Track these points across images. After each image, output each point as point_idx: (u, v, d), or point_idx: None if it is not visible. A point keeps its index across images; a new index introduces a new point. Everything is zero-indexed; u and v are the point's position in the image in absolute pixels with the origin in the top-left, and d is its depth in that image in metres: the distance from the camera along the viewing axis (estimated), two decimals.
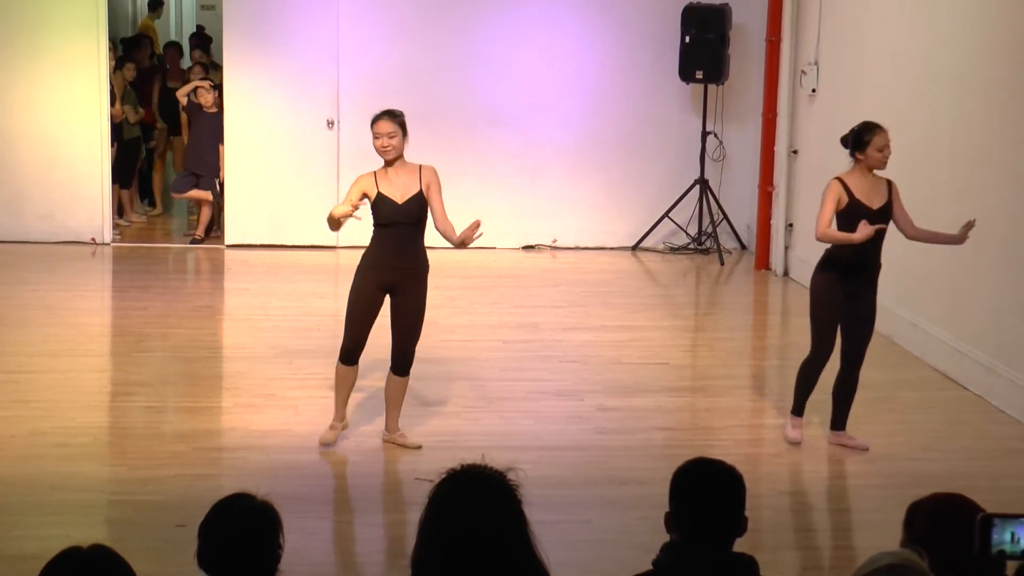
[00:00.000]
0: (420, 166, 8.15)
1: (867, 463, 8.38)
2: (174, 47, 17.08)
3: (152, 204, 16.86)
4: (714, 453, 4.44)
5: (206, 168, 14.87)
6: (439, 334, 11.12)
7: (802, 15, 13.71)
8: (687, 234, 15.00)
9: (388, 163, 8.11)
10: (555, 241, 15.11)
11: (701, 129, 14.78)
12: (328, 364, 9.83)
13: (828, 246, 8.33)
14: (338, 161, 14.64)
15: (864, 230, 7.99)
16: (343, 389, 8.35)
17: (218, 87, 15.06)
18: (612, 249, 15.06)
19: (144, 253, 14.72)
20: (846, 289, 8.28)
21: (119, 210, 15.67)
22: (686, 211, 14.92)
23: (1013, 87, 9.41)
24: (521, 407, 9.31)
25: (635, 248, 15.07)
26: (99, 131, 14.58)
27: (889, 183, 8.29)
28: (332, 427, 8.39)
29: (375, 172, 8.14)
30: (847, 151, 8.30)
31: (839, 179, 8.23)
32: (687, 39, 14.51)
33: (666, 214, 14.84)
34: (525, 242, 15.03)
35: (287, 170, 14.70)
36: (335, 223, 8.02)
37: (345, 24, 14.60)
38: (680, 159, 14.99)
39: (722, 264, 14.45)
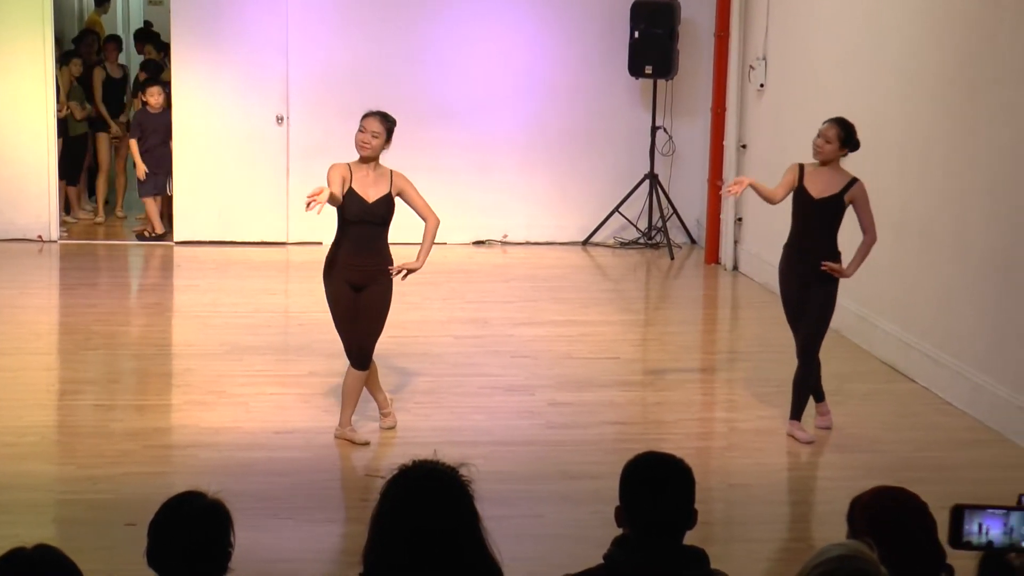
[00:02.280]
0: (392, 171, 8.21)
1: (817, 455, 8.44)
2: (113, 40, 16.80)
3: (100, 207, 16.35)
4: (665, 447, 4.46)
5: (162, 167, 14.74)
6: (390, 330, 11.03)
7: (750, 10, 13.77)
8: (637, 229, 15.04)
9: (363, 160, 8.09)
10: (506, 236, 15.11)
11: (650, 124, 14.81)
12: (278, 360, 9.85)
13: (785, 241, 8.49)
14: (288, 157, 14.59)
15: (736, 182, 8.40)
16: (353, 397, 8.38)
17: (164, 83, 14.97)
18: (562, 244, 15.07)
19: (92, 250, 14.62)
20: (800, 278, 8.38)
21: (66, 207, 15.54)
22: (636, 206, 14.95)
23: (959, 81, 9.49)
24: (472, 402, 9.31)
25: (585, 243, 15.09)
26: (45, 128, 14.46)
27: (853, 181, 8.35)
28: (352, 430, 8.40)
29: (349, 164, 8.13)
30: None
31: (800, 164, 8.48)
32: (636, 34, 14.54)
33: (616, 209, 14.87)
34: (476, 237, 15.03)
35: (236, 166, 14.64)
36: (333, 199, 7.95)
37: (294, 19, 14.54)
38: (630, 154, 15.02)
39: (672, 259, 14.50)
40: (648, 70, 14.53)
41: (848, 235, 8.56)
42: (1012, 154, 8.76)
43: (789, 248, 8.54)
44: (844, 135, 8.43)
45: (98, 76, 15.63)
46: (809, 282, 8.39)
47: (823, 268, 8.37)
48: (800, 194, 8.41)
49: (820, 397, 8.80)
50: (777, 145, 12.92)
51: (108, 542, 6.64)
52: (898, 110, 10.43)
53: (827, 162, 8.41)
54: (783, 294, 8.63)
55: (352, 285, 8.14)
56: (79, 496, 7.48)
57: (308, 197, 7.69)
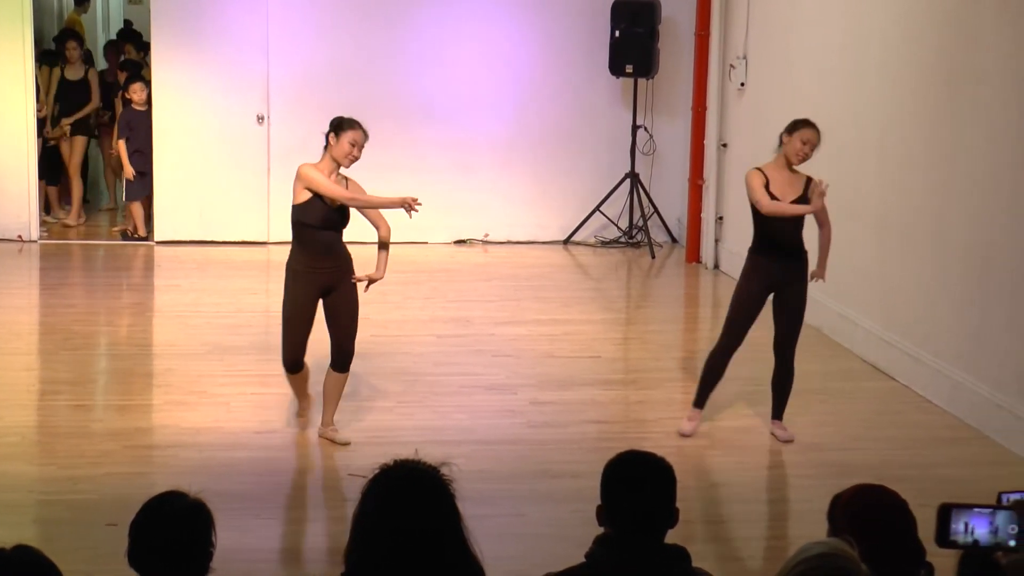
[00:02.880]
0: (347, 179, 8.27)
1: (797, 453, 8.46)
2: (75, 38, 16.47)
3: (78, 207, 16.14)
4: (646, 445, 4.46)
5: (148, 165, 14.67)
6: (371, 329, 11.09)
7: (731, 9, 13.79)
8: (618, 228, 15.05)
9: (336, 167, 8.14)
10: (487, 235, 15.12)
11: (631, 123, 14.83)
12: (260, 360, 9.84)
13: (753, 236, 8.42)
14: (268, 156, 14.58)
15: (811, 204, 8.14)
16: (300, 386, 8.51)
17: (147, 83, 14.93)
18: (544, 243, 15.08)
19: (72, 250, 14.59)
20: (775, 278, 8.36)
21: (46, 207, 15.48)
22: (617, 205, 14.97)
23: (939, 81, 9.51)
24: (454, 401, 9.31)
25: (567, 242, 15.10)
26: (25, 128, 14.43)
27: (809, 180, 8.35)
28: (301, 415, 8.55)
29: (317, 167, 8.14)
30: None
31: (759, 168, 8.36)
32: (617, 33, 14.55)
33: (597, 208, 14.89)
34: (457, 236, 15.03)
35: (217, 166, 14.62)
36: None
37: (275, 18, 14.53)
38: (611, 153, 15.04)
39: (653, 257, 14.51)
40: (629, 69, 14.55)
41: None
42: (992, 153, 8.79)
43: (761, 253, 8.41)
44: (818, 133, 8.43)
45: (47, 75, 15.29)
46: (780, 284, 8.38)
47: (814, 280, 8.41)
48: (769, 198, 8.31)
49: (702, 403, 8.74)
50: (757, 144, 12.93)
51: (89, 543, 6.62)
52: (878, 109, 10.46)
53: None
54: (745, 295, 8.45)
55: (321, 290, 8.13)
56: (59, 497, 7.46)
57: (413, 202, 8.05)
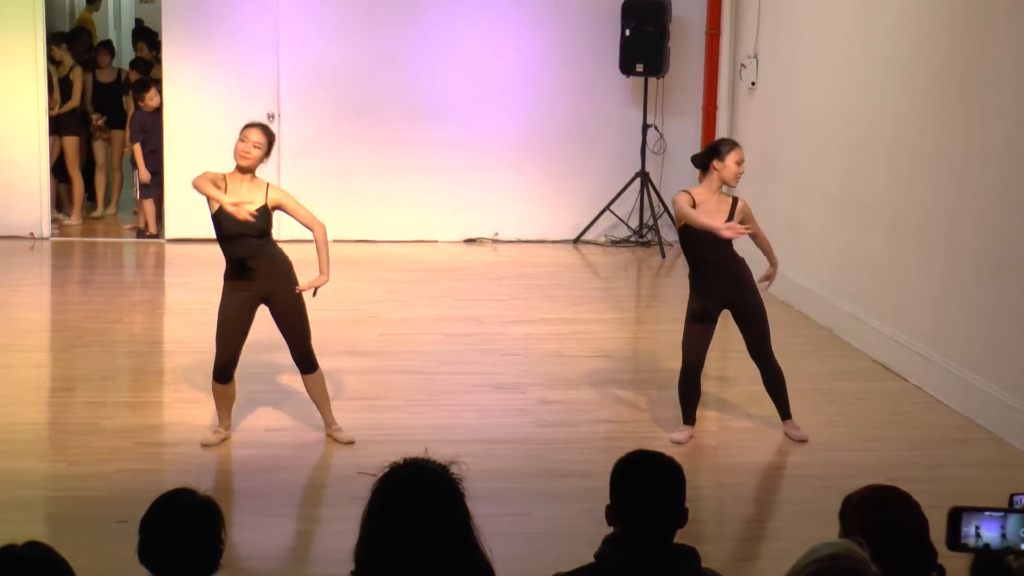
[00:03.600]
0: (268, 184, 8.15)
1: (808, 454, 8.44)
2: (105, 45, 16.61)
3: (93, 201, 16.23)
4: (656, 445, 4.46)
5: (160, 164, 14.69)
6: (380, 327, 11.11)
7: (741, 8, 13.78)
8: (628, 227, 15.04)
9: (239, 170, 8.05)
10: (497, 234, 15.11)
11: (642, 122, 14.81)
12: (269, 358, 9.81)
13: (688, 263, 8.55)
14: (279, 155, 14.56)
15: (730, 230, 8.10)
16: (224, 403, 8.31)
17: (156, 82, 14.95)
18: (554, 242, 15.08)
19: (84, 248, 14.60)
20: (719, 298, 8.35)
21: (58, 204, 15.51)
22: (627, 204, 14.96)
23: (951, 79, 9.50)
24: (463, 400, 9.31)
25: (576, 241, 15.09)
26: (37, 125, 14.45)
27: (735, 201, 8.34)
28: (216, 431, 8.30)
29: (224, 175, 8.08)
30: (697, 170, 8.48)
31: (687, 191, 8.36)
32: (627, 32, 14.54)
33: (607, 207, 14.88)
34: (466, 235, 15.02)
35: (228, 164, 14.55)
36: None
37: (285, 17, 14.54)
38: (621, 152, 15.03)
39: (663, 257, 14.50)
40: (639, 68, 14.54)
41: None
42: (1003, 153, 8.77)
43: (696, 275, 8.45)
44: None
45: (79, 79, 15.34)
46: (731, 297, 8.38)
47: (767, 281, 8.48)
48: (693, 227, 8.23)
49: (690, 419, 8.70)
50: (768, 143, 12.93)
51: (99, 539, 6.63)
52: (889, 109, 10.44)
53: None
54: (689, 317, 8.47)
55: (257, 298, 8.07)
56: (70, 493, 7.47)
57: (239, 207, 7.76)
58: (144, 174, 14.58)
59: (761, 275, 8.56)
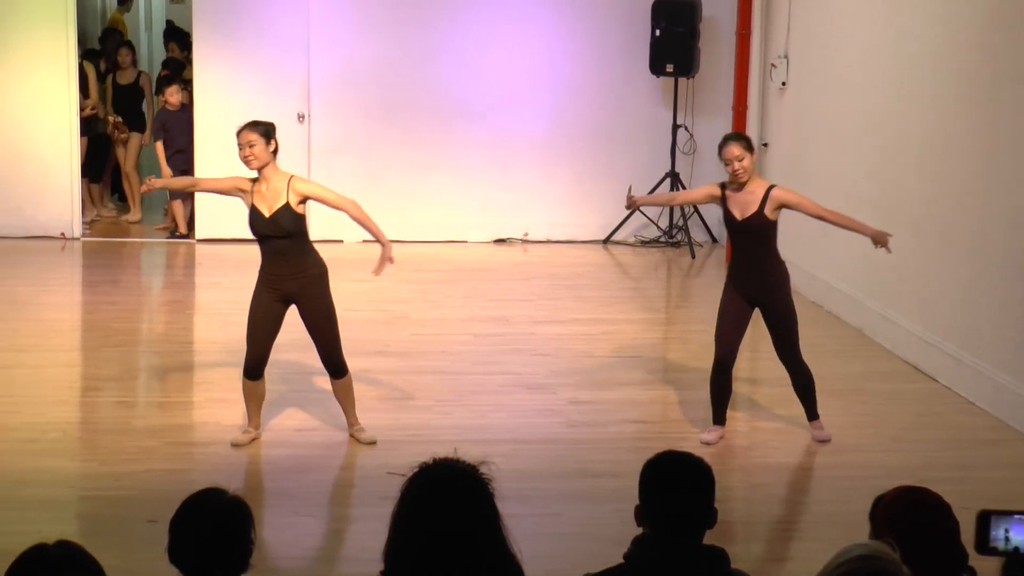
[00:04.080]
0: (291, 178, 8.08)
1: (837, 455, 8.41)
2: (126, 45, 16.63)
3: (123, 202, 16.24)
4: (685, 446, 4.46)
5: (189, 163, 14.76)
6: (410, 327, 11.12)
7: (772, 8, 13.75)
8: (658, 227, 15.03)
9: (259, 173, 8.05)
10: (526, 234, 15.12)
11: (672, 122, 14.80)
12: (299, 358, 9.84)
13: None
14: (309, 155, 14.62)
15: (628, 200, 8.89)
16: (252, 401, 8.31)
17: (186, 81, 15.00)
18: (583, 242, 15.07)
19: (114, 248, 14.66)
20: (751, 294, 8.33)
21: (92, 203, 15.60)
22: None
23: (982, 79, 9.45)
24: (493, 400, 9.31)
25: (606, 241, 15.08)
26: (68, 125, 14.52)
27: (770, 189, 8.24)
28: (246, 431, 8.31)
29: (251, 180, 8.10)
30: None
31: (720, 184, 8.36)
32: (657, 32, 14.53)
33: (637, 207, 14.85)
34: (496, 236, 15.03)
35: None
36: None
37: (316, 17, 14.57)
38: (651, 152, 15.01)
39: (693, 257, 14.48)
40: (669, 68, 14.52)
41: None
42: None
43: (732, 266, 8.52)
44: (747, 143, 8.31)
45: (94, 74, 15.45)
46: (759, 302, 8.35)
47: (880, 247, 8.19)
48: (725, 215, 8.31)
49: (720, 419, 8.67)
50: (799, 143, 12.90)
51: (129, 539, 6.65)
52: (919, 108, 10.40)
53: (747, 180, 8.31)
54: (722, 309, 8.46)
55: (284, 299, 8.09)
56: (101, 493, 7.49)
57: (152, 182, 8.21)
58: (165, 171, 14.62)
59: (881, 240, 8.18)
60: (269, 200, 7.98)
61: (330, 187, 8.31)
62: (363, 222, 8.15)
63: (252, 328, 8.17)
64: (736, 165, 8.16)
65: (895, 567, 3.23)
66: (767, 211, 8.17)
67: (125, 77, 15.70)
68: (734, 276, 8.44)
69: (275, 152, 8.08)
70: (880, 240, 8.19)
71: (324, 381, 8.87)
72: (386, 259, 8.14)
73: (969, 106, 9.62)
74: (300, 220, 8.05)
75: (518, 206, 15.00)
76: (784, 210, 8.25)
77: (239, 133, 8.04)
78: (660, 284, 13.95)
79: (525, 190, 15.00)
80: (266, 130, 8.04)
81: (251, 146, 7.96)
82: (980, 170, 9.42)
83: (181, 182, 7.69)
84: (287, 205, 7.97)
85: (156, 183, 8.55)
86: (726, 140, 8.32)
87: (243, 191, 8.04)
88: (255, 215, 7.99)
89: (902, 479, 4.54)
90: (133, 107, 15.69)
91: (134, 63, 15.94)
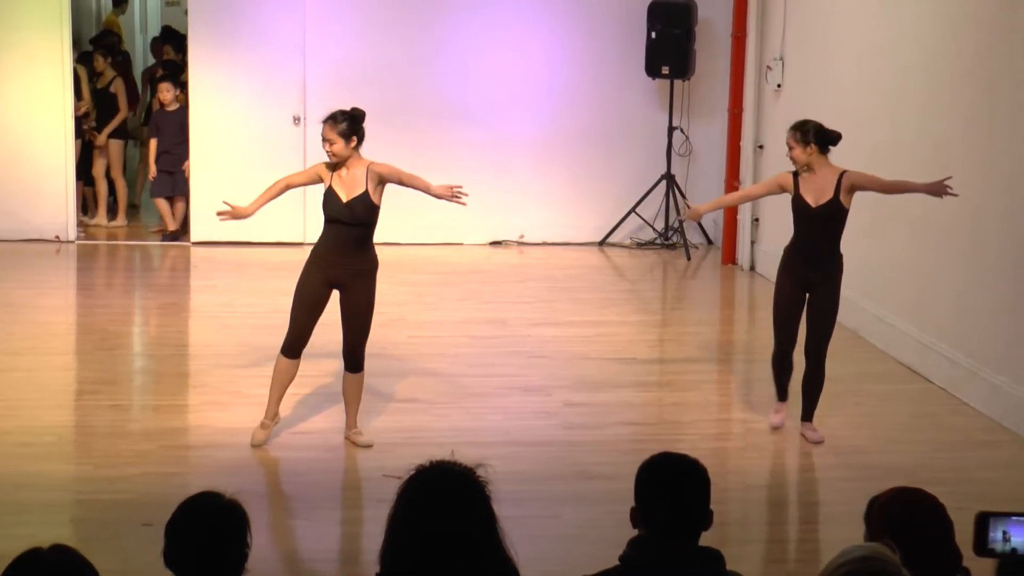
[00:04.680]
0: (369, 164, 8.05)
1: (833, 456, 8.42)
2: (100, 49, 16.49)
3: (113, 214, 15.86)
4: (681, 447, 4.45)
5: (177, 165, 14.76)
6: (407, 330, 11.12)
7: (767, 10, 13.75)
8: (654, 229, 15.03)
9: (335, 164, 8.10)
10: (522, 237, 15.11)
11: (667, 124, 14.80)
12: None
13: (787, 243, 8.56)
14: (305, 157, 14.59)
15: (690, 212, 9.05)
16: (280, 384, 8.30)
17: (182, 84, 14.99)
18: (579, 244, 15.07)
19: (109, 251, 14.65)
20: (802, 282, 8.38)
21: (84, 207, 15.56)
22: (653, 206, 14.94)
23: (977, 81, 9.46)
24: (489, 403, 9.31)
25: (602, 243, 15.08)
26: (63, 128, 14.50)
27: (842, 175, 8.33)
28: (263, 425, 8.31)
29: (331, 165, 8.12)
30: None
31: (793, 172, 8.45)
32: (653, 34, 14.53)
33: (633, 209, 14.86)
34: (492, 238, 15.03)
35: (253, 167, 14.62)
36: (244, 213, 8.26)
37: (312, 19, 14.56)
38: (647, 154, 15.01)
39: (689, 259, 14.48)
40: (665, 70, 14.53)
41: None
42: None
43: (792, 252, 8.53)
44: (800, 134, 8.41)
45: (122, 91, 15.39)
46: (812, 285, 8.39)
47: (942, 194, 8.23)
48: (797, 202, 8.40)
49: (783, 396, 8.78)
50: None
51: (125, 542, 6.65)
52: (915, 109, 10.41)
53: (809, 166, 8.38)
54: (779, 294, 8.56)
55: (331, 283, 8.12)
56: (96, 496, 7.49)
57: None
58: (151, 170, 14.66)
59: (939, 190, 8.25)
60: (348, 186, 8.02)
61: (399, 168, 8.22)
62: (424, 185, 8.09)
63: (297, 307, 8.19)
64: (790, 154, 8.42)
65: (895, 568, 3.23)
66: (842, 197, 8.29)
67: (101, 81, 15.54)
68: (793, 261, 8.47)
69: (358, 145, 8.05)
70: (939, 191, 8.28)
71: (321, 384, 8.88)
72: (461, 193, 8.12)
73: (964, 108, 9.63)
74: (374, 212, 8.07)
75: (514, 208, 15.00)
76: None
77: (323, 127, 8.05)
78: (656, 286, 13.95)
79: (521, 192, 15.00)
80: (349, 121, 7.98)
81: (331, 144, 7.99)
82: (975, 172, 9.43)
83: (268, 194, 7.66)
84: (366, 193, 7.99)
85: (246, 210, 8.40)
86: (789, 130, 8.53)
87: (322, 177, 8.10)
88: (331, 196, 8.03)
89: (897, 480, 4.55)
90: (109, 111, 15.52)
91: (114, 67, 15.76)
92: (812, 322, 8.47)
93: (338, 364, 8.89)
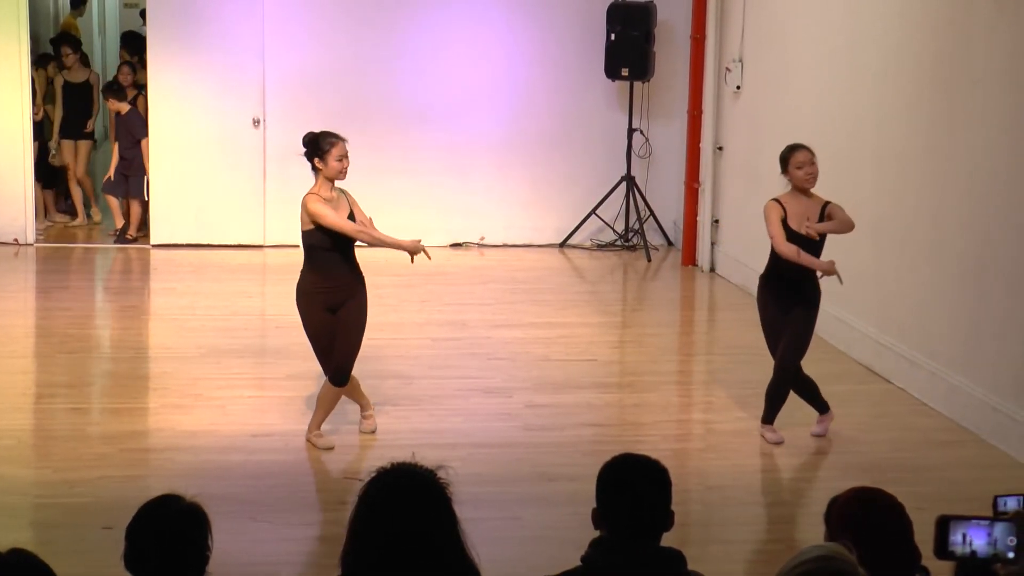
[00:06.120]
0: (342, 190, 8.25)
1: (794, 456, 8.46)
2: (68, 43, 16.46)
3: (72, 213, 15.91)
4: (642, 449, 4.46)
5: (131, 168, 14.72)
6: (368, 332, 11.04)
7: (726, 12, 13.80)
8: (614, 231, 15.05)
9: (331, 185, 8.14)
10: (483, 239, 15.11)
11: (627, 126, 14.83)
12: (255, 363, 9.84)
13: (768, 262, 8.51)
14: (264, 160, 14.57)
15: (824, 264, 8.31)
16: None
17: (141, 87, 14.94)
18: (540, 246, 15.08)
19: (68, 253, 14.57)
20: (785, 300, 8.39)
21: (44, 211, 15.49)
22: (613, 208, 14.96)
23: (935, 84, 9.52)
24: (450, 405, 9.31)
25: (563, 245, 15.10)
26: (21, 131, 14.41)
27: (826, 205, 8.35)
28: (320, 435, 8.35)
29: (321, 196, 8.07)
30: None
31: (776, 199, 8.38)
32: (612, 36, 14.56)
33: (593, 211, 14.88)
34: (453, 240, 15.02)
35: (213, 169, 14.61)
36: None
37: (270, 22, 14.52)
38: (607, 156, 15.04)
39: (649, 260, 14.51)
40: (624, 72, 14.56)
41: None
42: (988, 157, 8.79)
43: (770, 279, 8.51)
44: (813, 156, 8.43)
45: (43, 78, 15.38)
46: (794, 303, 8.40)
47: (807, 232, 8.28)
48: (786, 230, 8.35)
49: (824, 408, 8.78)
50: (753, 147, 12.95)
51: (85, 546, 6.62)
52: (874, 113, 10.46)
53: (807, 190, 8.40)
54: (764, 320, 8.57)
55: (331, 307, 8.14)
56: (55, 500, 7.45)
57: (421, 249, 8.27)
58: (110, 171, 14.83)
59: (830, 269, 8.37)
60: (341, 210, 8.12)
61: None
62: (383, 236, 8.32)
63: (318, 346, 8.25)
64: (809, 169, 8.30)
65: (852, 568, 3.25)
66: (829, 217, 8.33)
67: (75, 76, 15.53)
68: (773, 285, 8.47)
69: None
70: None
71: (281, 386, 8.85)
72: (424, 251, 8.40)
73: (923, 110, 9.69)
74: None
75: (474, 210, 15.00)
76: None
77: (341, 143, 8.19)
78: (616, 288, 13.98)
79: (481, 194, 15.00)
80: None
81: (347, 157, 8.18)
82: (934, 174, 9.49)
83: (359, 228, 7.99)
84: (351, 214, 8.15)
85: (384, 236, 8.39)
86: (793, 149, 8.41)
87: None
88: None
89: (857, 480, 4.58)
90: (84, 106, 15.53)
91: (83, 62, 15.78)
92: (785, 337, 8.47)
93: (301, 367, 8.89)
